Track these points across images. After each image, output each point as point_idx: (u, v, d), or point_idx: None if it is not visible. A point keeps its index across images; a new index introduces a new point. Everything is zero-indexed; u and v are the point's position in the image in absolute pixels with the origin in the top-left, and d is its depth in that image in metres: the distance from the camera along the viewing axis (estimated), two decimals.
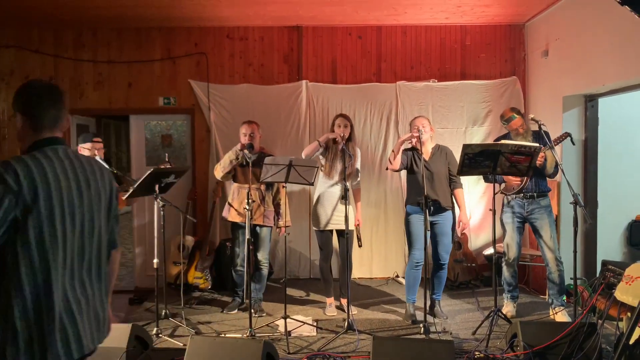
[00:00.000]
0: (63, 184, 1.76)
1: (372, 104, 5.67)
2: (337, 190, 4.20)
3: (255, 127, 4.36)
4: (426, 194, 3.72)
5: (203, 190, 5.64)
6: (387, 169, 4.12)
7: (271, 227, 4.43)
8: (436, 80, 5.72)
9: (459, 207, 4.05)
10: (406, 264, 4.06)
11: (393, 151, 3.96)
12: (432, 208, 3.90)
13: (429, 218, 3.77)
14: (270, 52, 5.62)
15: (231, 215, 4.42)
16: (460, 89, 5.74)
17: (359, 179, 4.30)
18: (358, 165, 4.31)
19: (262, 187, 4.30)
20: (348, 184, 4.03)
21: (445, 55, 5.73)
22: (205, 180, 5.65)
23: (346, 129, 4.18)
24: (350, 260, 4.16)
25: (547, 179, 4.29)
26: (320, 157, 4.23)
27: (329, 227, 4.24)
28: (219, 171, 4.25)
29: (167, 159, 4.28)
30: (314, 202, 4.30)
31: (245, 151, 4.13)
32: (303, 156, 4.10)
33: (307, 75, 5.68)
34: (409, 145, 4.16)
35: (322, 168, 4.14)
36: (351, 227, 4.13)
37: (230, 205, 4.39)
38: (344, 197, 3.83)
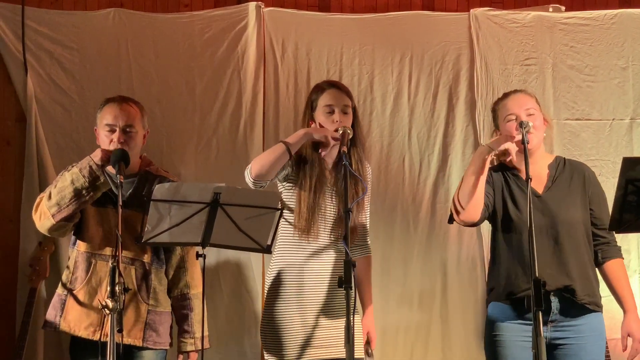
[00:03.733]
0: None
1: (415, 58, 5.26)
2: (324, 264, 3.89)
3: (134, 112, 4.01)
4: (538, 277, 3.29)
5: (5, 261, 5.05)
6: (451, 220, 3.86)
7: (164, 351, 4.04)
8: (563, 8, 5.29)
9: (620, 301, 3.80)
10: None
11: (465, 179, 3.76)
12: (556, 308, 3.61)
13: (545, 332, 3.52)
14: None
15: (69, 322, 3.95)
16: (617, 27, 5.28)
17: (367, 236, 4.10)
18: (367, 206, 4.10)
19: (146, 256, 3.97)
20: (349, 249, 3.58)
21: None
22: (13, 236, 5.02)
23: (346, 116, 3.87)
24: None
25: None
26: (284, 185, 3.97)
27: (308, 356, 3.86)
28: (45, 212, 3.85)
29: None
30: (266, 292, 4.05)
31: (110, 169, 3.82)
32: (251, 177, 3.77)
33: None
34: (495, 161, 3.96)
35: (292, 213, 3.92)
36: (359, 352, 3.80)
37: (70, 293, 3.95)
38: (343, 282, 3.35)
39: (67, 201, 3.73)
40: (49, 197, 3.79)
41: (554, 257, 3.60)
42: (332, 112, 3.81)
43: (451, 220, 3.77)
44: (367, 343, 3.99)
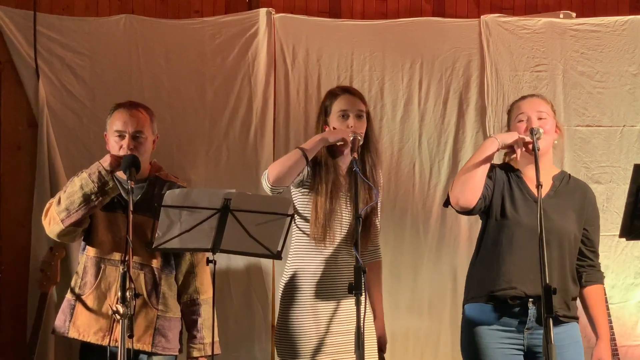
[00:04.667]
0: None
1: (425, 64, 5.29)
2: (340, 270, 3.85)
3: (143, 118, 4.01)
4: (547, 283, 3.27)
5: (16, 266, 5.04)
6: (446, 203, 3.78)
7: (173, 357, 4.05)
8: (573, 14, 5.30)
9: (593, 325, 3.77)
10: None
11: (468, 164, 3.72)
12: (533, 315, 3.57)
13: (523, 339, 3.57)
14: None
15: (78, 327, 3.96)
16: (628, 33, 5.29)
17: (378, 240, 4.08)
18: (379, 211, 4.08)
19: (156, 261, 3.97)
20: (359, 255, 3.61)
21: None
22: (25, 241, 5.02)
23: (360, 121, 3.86)
24: None
25: None
26: (300, 191, 3.94)
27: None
28: (54, 217, 3.87)
29: None
30: (279, 296, 4.05)
31: (120, 175, 3.83)
32: (269, 183, 3.76)
33: None
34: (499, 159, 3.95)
35: (303, 219, 3.92)
36: (371, 354, 3.80)
37: (79, 298, 3.96)
38: (353, 288, 3.38)
39: (76, 206, 3.74)
40: (59, 202, 3.78)
41: (538, 263, 3.47)
42: (346, 117, 3.80)
43: (447, 203, 3.75)
44: (379, 349, 3.96)
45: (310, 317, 3.79)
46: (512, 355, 3.55)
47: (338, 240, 3.80)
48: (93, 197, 3.73)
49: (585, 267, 3.68)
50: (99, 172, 3.72)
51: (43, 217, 3.86)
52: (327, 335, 3.77)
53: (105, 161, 3.73)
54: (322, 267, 3.81)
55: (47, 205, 3.86)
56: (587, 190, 3.75)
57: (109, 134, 3.87)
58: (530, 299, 3.49)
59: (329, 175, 3.83)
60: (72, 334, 3.88)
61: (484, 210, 3.64)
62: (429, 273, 5.11)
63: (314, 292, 3.79)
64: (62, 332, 3.91)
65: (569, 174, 3.78)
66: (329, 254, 3.80)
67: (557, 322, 3.51)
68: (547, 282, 3.31)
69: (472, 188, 3.58)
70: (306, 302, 3.80)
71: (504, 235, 3.59)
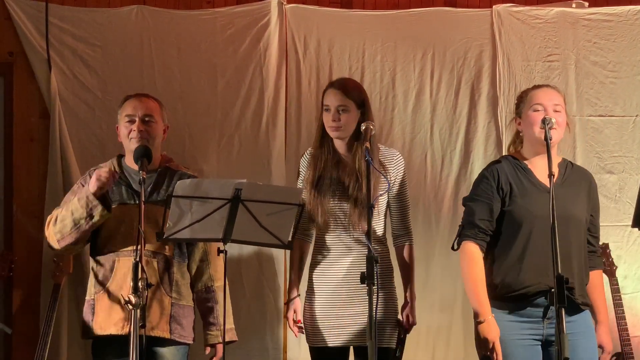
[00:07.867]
0: None
1: (437, 54, 5.27)
2: (350, 258, 3.93)
3: (153, 105, 4.07)
4: (560, 273, 3.27)
5: (29, 257, 5.06)
6: (453, 248, 3.80)
7: (187, 345, 4.06)
8: (586, 4, 5.26)
9: (594, 312, 3.79)
10: None
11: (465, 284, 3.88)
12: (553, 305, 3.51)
13: (542, 329, 3.60)
14: None
15: (99, 323, 4.01)
16: None
17: (407, 223, 4.12)
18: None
19: (168, 248, 4.01)
20: (376, 242, 3.86)
21: None
22: (37, 232, 4.98)
23: (343, 115, 3.91)
24: None
25: None
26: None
27: (339, 342, 3.95)
28: (51, 236, 3.95)
29: None
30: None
31: (131, 166, 3.97)
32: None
33: None
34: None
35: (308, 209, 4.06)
36: (387, 340, 3.91)
37: (97, 297, 4.04)
38: (365, 278, 3.39)
39: (68, 230, 3.81)
40: (55, 221, 3.87)
41: (559, 253, 3.47)
42: (328, 112, 3.84)
43: (453, 248, 3.78)
44: (401, 335, 3.97)
45: (322, 299, 3.86)
46: (530, 346, 3.55)
47: (337, 230, 3.85)
48: (82, 221, 3.79)
49: (588, 252, 3.69)
50: (87, 197, 3.76)
51: (45, 228, 3.93)
52: (343, 316, 3.81)
53: (92, 185, 3.77)
54: (326, 257, 3.90)
55: (48, 218, 3.91)
56: (590, 177, 3.78)
57: (120, 123, 3.90)
58: (552, 289, 3.47)
59: (315, 171, 3.90)
60: (96, 331, 3.92)
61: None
62: (441, 264, 5.10)
63: (329, 276, 3.84)
64: (90, 334, 3.95)
65: (572, 164, 3.80)
66: (330, 241, 3.87)
67: (578, 309, 3.58)
68: (562, 271, 3.30)
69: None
70: (312, 291, 3.89)
71: (522, 230, 3.61)
